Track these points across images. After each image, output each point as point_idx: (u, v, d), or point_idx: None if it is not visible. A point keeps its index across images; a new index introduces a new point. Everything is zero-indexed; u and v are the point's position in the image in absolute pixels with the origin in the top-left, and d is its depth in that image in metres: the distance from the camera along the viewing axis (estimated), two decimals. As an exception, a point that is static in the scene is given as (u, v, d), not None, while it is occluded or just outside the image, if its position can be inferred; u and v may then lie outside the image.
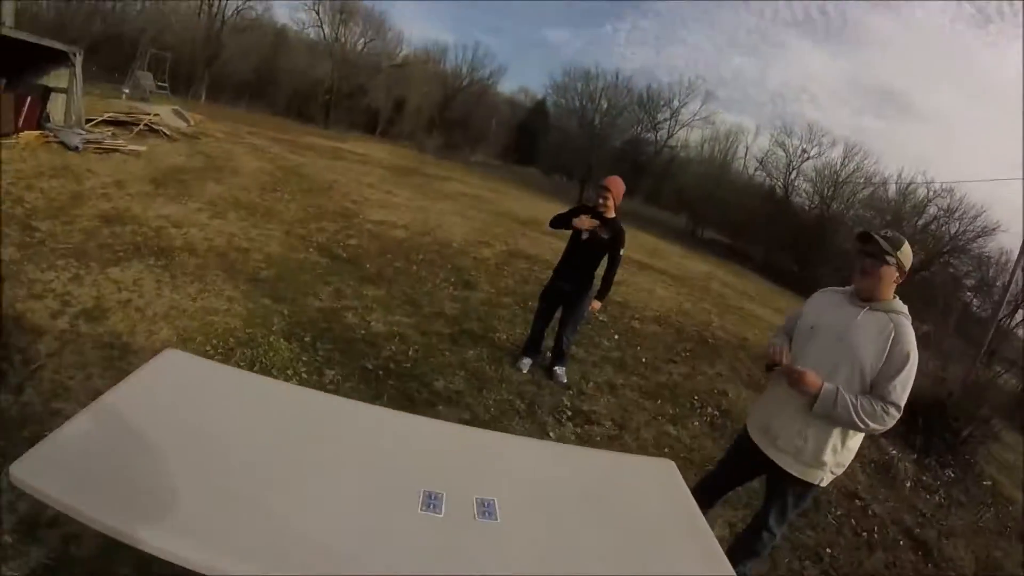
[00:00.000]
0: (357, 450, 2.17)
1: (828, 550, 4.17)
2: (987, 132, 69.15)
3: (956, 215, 30.15)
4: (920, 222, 30.05)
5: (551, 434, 4.51)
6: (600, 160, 29.44)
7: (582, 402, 5.18)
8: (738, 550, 2.76)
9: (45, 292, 4.46)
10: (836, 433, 2.83)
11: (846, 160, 33.50)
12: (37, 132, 9.01)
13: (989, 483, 6.56)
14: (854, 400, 2.67)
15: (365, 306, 5.91)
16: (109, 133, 10.49)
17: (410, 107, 35.99)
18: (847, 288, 2.99)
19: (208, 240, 6.50)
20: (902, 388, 2.65)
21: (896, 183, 31.79)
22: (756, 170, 38.79)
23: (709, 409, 5.96)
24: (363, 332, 5.29)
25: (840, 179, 32.37)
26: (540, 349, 5.60)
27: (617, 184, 4.89)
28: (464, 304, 6.85)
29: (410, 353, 5.14)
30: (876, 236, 2.73)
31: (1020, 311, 18.45)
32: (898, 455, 6.15)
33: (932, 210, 30.35)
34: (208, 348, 4.32)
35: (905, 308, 2.77)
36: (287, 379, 4.20)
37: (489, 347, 5.79)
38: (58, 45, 9.60)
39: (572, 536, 2.01)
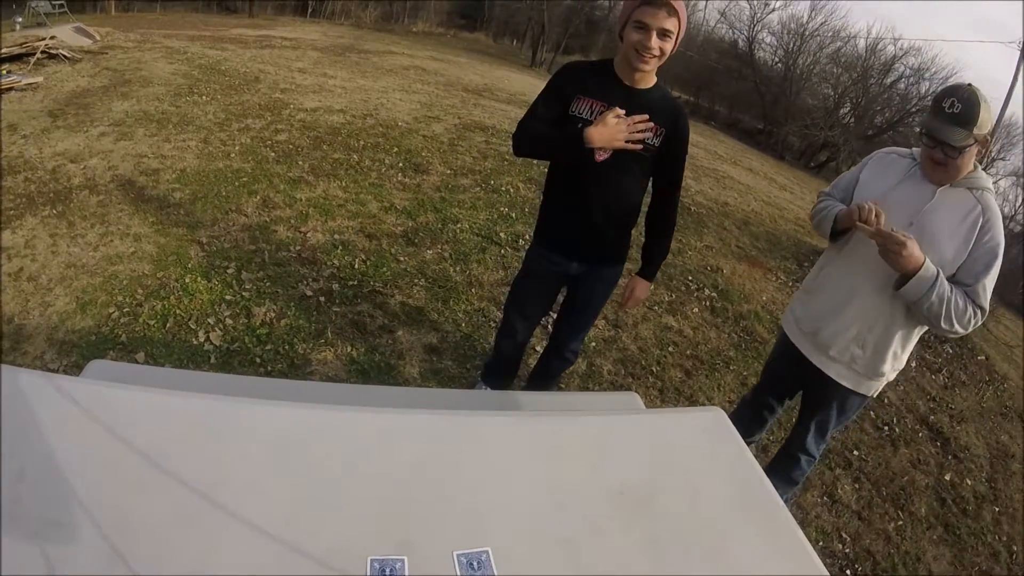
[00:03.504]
0: (244, 488, 1.30)
1: (855, 452, 3.83)
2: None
3: (926, 75, 28.57)
4: (888, 80, 28.94)
5: (538, 348, 3.86)
6: (552, 17, 27.50)
7: (568, 300, 4.55)
8: (774, 478, 2.14)
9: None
10: (898, 337, 2.28)
11: (813, 13, 31.79)
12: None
13: (983, 358, 6.20)
14: (951, 290, 2.03)
15: (299, 214, 5.12)
16: (4, 72, 9.29)
17: (341, -22, 33.54)
18: (915, 151, 2.30)
19: (112, 169, 5.60)
20: (990, 287, 2.07)
21: (865, 39, 30.42)
22: (718, 23, 36.86)
23: (706, 291, 5.40)
24: (298, 248, 4.55)
25: (806, 32, 31.00)
26: (514, 374, 3.33)
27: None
28: (416, 192, 6.05)
29: (356, 266, 4.43)
30: (945, 121, 2.01)
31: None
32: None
33: (901, 68, 29.29)
34: (112, 309, 3.61)
35: (990, 181, 2.11)
36: (208, 329, 3.54)
37: (451, 242, 5.08)
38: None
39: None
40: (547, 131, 2.39)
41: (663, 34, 2.10)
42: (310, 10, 31.11)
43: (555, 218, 2.60)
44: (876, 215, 2.09)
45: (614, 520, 1.39)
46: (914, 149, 2.33)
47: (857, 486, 3.55)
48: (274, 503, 1.27)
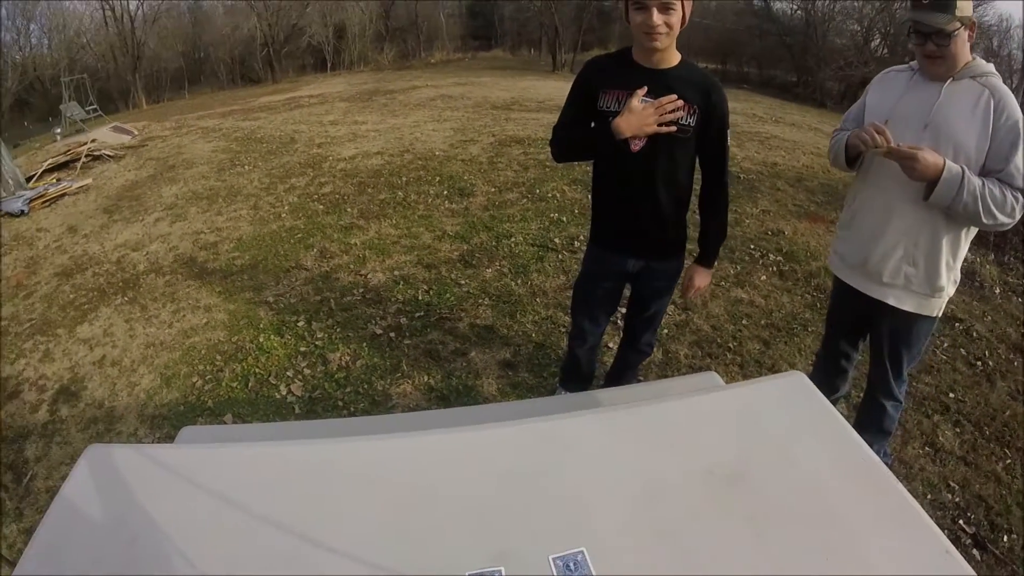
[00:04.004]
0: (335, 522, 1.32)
1: (951, 394, 3.60)
2: None
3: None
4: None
5: (610, 345, 3.80)
6: (563, 18, 27.48)
7: (634, 291, 4.49)
8: (864, 433, 2.01)
9: (19, 386, 3.90)
10: (946, 245, 2.21)
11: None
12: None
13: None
14: (981, 184, 1.98)
15: (356, 258, 5.19)
16: (54, 180, 9.71)
17: (352, 29, 34.15)
18: (912, 63, 2.28)
19: (173, 250, 5.78)
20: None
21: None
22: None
23: (771, 256, 5.21)
24: (361, 291, 4.59)
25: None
26: (591, 375, 3.20)
27: None
28: (465, 216, 6.06)
29: (420, 297, 4.45)
30: (925, 10, 2.05)
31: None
32: (978, 258, 5.40)
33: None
34: (195, 379, 3.72)
35: (991, 66, 2.08)
36: (288, 382, 3.59)
37: (507, 257, 5.06)
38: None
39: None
40: (578, 133, 2.33)
41: (664, 8, 1.98)
42: (329, 64, 31.84)
43: (604, 217, 2.51)
44: (876, 134, 2.10)
45: (709, 502, 1.35)
46: (912, 63, 2.30)
47: (958, 430, 3.34)
48: (370, 533, 1.28)
